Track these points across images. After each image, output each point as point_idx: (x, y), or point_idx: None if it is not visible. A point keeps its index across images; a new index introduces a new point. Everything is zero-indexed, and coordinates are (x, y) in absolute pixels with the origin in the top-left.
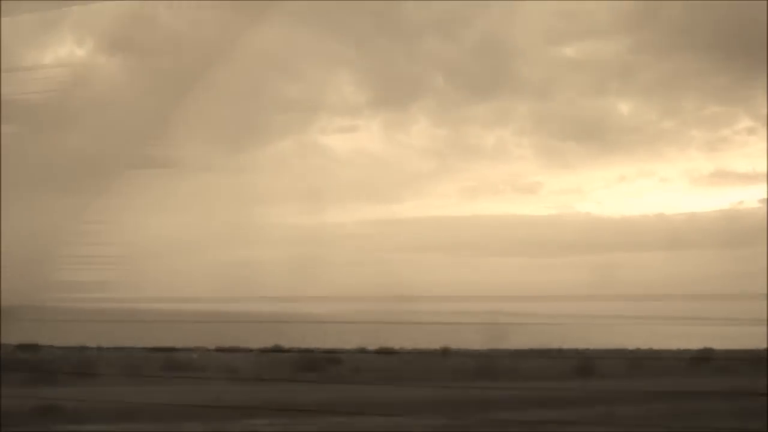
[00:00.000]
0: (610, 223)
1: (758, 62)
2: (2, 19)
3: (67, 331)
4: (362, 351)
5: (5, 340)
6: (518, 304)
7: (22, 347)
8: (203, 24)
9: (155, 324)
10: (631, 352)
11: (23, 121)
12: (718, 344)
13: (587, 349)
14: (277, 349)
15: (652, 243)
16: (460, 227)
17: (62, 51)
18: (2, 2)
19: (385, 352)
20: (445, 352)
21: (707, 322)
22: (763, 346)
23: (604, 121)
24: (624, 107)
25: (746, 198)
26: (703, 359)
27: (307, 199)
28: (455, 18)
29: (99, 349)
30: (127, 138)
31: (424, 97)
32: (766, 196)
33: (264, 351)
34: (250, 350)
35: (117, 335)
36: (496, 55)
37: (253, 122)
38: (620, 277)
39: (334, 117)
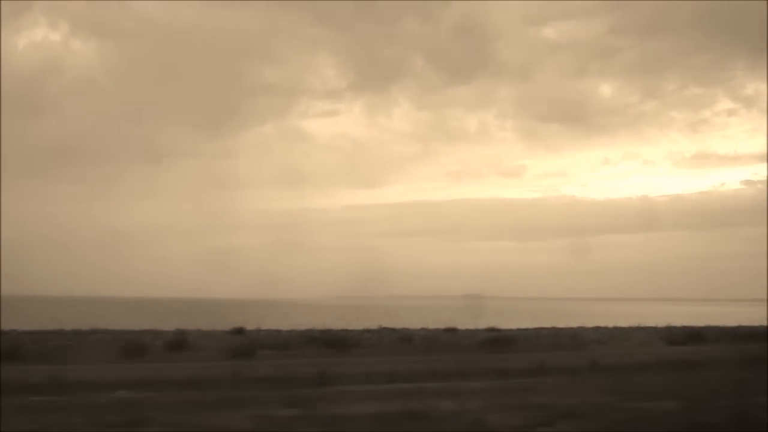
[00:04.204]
0: (594, 206)
1: (737, 42)
2: None
3: None
4: None
5: None
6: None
7: None
8: (181, 8)
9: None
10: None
11: None
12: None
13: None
14: None
15: (636, 225)
16: (444, 211)
17: (36, 35)
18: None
19: None
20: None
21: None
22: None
23: (586, 103)
24: (605, 89)
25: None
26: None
27: (289, 184)
28: None
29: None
30: (105, 124)
31: (405, 80)
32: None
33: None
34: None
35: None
36: (475, 37)
37: (233, 107)
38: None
39: (315, 101)
